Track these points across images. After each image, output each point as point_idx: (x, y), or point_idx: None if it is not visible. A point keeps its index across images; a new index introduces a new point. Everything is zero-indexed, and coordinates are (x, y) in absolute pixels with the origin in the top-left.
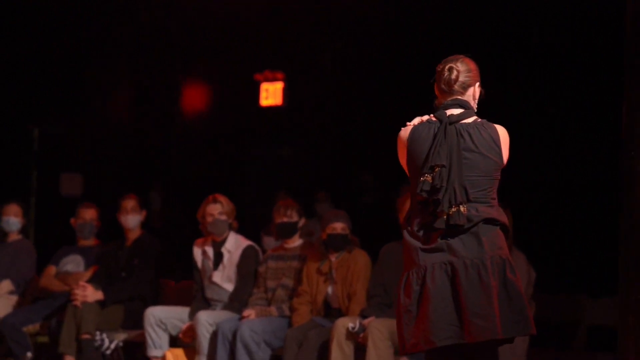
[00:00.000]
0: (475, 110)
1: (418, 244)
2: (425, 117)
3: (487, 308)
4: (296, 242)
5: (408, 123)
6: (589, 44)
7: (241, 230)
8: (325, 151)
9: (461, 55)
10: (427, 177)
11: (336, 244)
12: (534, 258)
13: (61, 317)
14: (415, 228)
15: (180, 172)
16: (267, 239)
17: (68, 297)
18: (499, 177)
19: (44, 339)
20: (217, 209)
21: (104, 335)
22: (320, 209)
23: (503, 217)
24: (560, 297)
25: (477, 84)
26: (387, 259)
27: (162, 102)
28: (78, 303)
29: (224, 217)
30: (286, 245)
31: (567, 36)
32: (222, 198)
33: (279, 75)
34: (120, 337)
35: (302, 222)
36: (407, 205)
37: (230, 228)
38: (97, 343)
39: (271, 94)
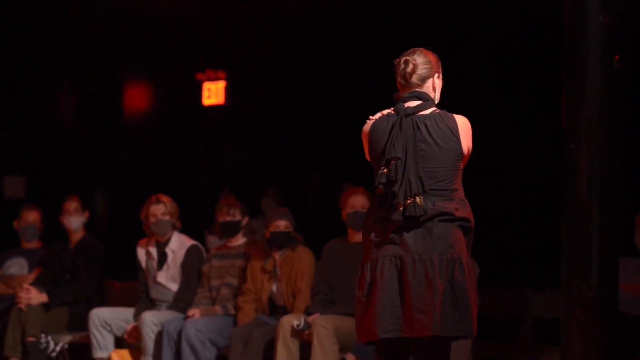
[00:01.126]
0: (437, 102)
1: (374, 237)
2: (386, 111)
3: (429, 304)
4: (239, 240)
5: (371, 117)
6: (528, 40)
7: (186, 230)
8: (269, 149)
9: (419, 48)
10: (383, 170)
11: (280, 241)
12: (478, 252)
13: (5, 320)
14: (374, 221)
15: (124, 173)
16: (211, 238)
17: (12, 300)
18: (461, 168)
19: None
20: (160, 210)
21: (49, 338)
22: (266, 205)
23: (464, 212)
24: (505, 291)
25: (437, 75)
26: (330, 255)
27: (105, 103)
28: (22, 306)
29: (167, 218)
30: (229, 244)
31: (506, 33)
32: (165, 198)
33: (221, 74)
34: (66, 339)
35: (245, 220)
36: (350, 201)
37: (174, 228)
38: (43, 346)
39: (213, 93)
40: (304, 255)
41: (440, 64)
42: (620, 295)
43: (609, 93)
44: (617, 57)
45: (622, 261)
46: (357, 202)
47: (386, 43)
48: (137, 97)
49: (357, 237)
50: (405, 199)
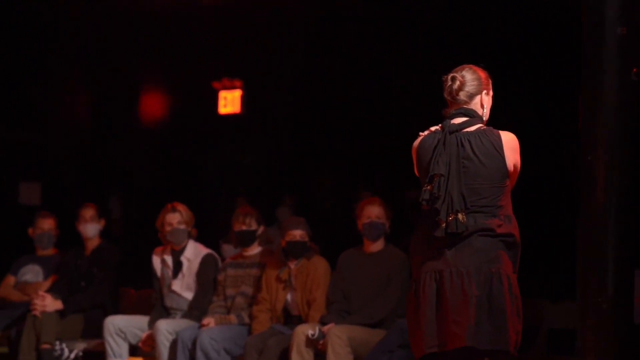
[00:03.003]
0: (485, 118)
1: (419, 253)
2: (434, 128)
3: (464, 316)
4: (255, 249)
5: (421, 133)
6: (545, 49)
7: (200, 238)
8: (284, 158)
9: (469, 65)
10: (427, 186)
11: (295, 251)
12: None
13: (21, 327)
14: (419, 237)
15: (140, 180)
16: (226, 247)
17: (27, 307)
18: (506, 185)
19: (3, 349)
20: (176, 218)
21: (64, 345)
22: (281, 214)
23: (507, 228)
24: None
25: (485, 92)
26: (345, 265)
27: (121, 111)
28: (37, 313)
29: (182, 226)
30: (245, 253)
31: (522, 41)
32: (180, 207)
33: (237, 83)
34: (80, 346)
35: (261, 229)
36: (366, 211)
37: (189, 236)
38: (57, 353)
39: (230, 101)
40: (319, 265)
41: (490, 81)
42: (636, 307)
43: (626, 104)
44: (635, 69)
45: (637, 273)
46: (373, 212)
47: (405, 50)
48: (153, 105)
49: (373, 247)
50: (447, 215)
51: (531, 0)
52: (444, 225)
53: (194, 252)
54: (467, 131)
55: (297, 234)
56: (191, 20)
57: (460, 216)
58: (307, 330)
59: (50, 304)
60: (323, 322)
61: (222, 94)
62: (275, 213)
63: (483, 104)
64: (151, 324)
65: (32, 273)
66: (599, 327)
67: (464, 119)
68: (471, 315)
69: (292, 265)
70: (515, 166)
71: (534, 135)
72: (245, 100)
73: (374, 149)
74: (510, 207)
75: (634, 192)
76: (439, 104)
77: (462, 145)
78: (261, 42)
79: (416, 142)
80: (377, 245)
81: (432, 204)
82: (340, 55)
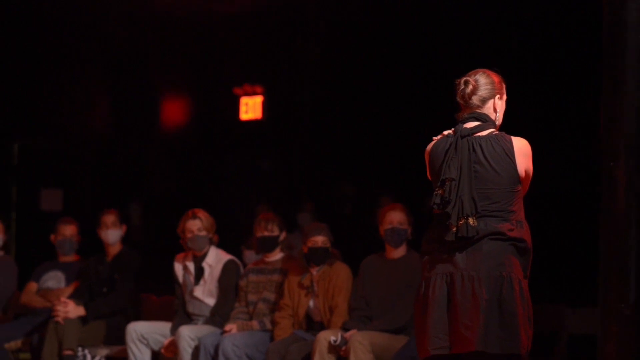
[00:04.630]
0: (498, 123)
1: (430, 254)
2: (447, 132)
3: (474, 320)
4: (277, 255)
5: (434, 137)
6: (567, 52)
7: (221, 244)
8: (305, 164)
9: (482, 69)
10: (439, 190)
11: (317, 257)
12: None
13: (43, 333)
14: (430, 240)
15: (160, 186)
16: (248, 253)
17: (50, 313)
18: (519, 190)
19: (25, 355)
20: (197, 225)
21: (86, 351)
22: (302, 220)
23: (519, 233)
24: (540, 307)
25: (498, 96)
26: (368, 271)
27: (142, 116)
28: (60, 319)
29: (203, 233)
30: (267, 259)
31: (545, 45)
32: (201, 213)
33: (259, 89)
34: (102, 352)
35: (283, 235)
36: (387, 217)
37: (211, 242)
38: (79, 359)
39: (251, 107)
40: (341, 271)
41: (503, 85)
42: None
43: None
44: None
45: None
46: (395, 218)
47: (421, 55)
48: (174, 111)
49: (395, 253)
50: (458, 219)
51: (551, 4)
52: (454, 229)
53: (215, 259)
54: (478, 136)
55: (319, 240)
56: (212, 26)
57: (471, 220)
58: (330, 336)
59: (72, 310)
60: (345, 328)
61: (244, 100)
62: (296, 219)
63: (496, 108)
64: (173, 330)
65: (54, 279)
66: (621, 333)
67: (476, 123)
68: (481, 319)
69: (314, 271)
70: (526, 172)
71: (556, 140)
72: (266, 106)
73: (395, 155)
74: (522, 212)
75: None
76: (458, 111)
77: (474, 150)
78: (282, 48)
79: (429, 146)
80: (400, 252)
81: (443, 208)
82: (360, 62)
